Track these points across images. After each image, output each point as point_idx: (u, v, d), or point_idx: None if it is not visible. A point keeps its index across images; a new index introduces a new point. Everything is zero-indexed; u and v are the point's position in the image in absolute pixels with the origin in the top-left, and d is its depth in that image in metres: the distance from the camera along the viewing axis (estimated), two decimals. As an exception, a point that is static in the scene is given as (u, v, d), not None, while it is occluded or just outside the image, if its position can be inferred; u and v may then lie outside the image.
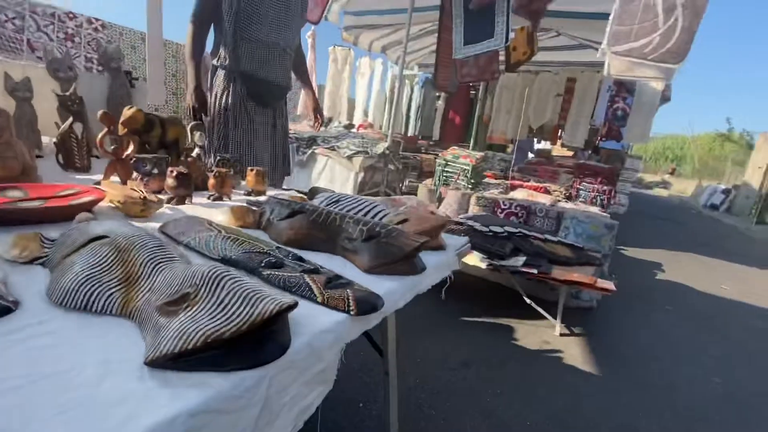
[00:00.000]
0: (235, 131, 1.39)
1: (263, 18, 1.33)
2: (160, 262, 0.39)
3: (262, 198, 0.89)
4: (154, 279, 0.37)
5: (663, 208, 9.68)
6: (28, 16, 3.99)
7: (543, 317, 1.81)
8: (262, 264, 0.49)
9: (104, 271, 0.38)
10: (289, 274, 0.47)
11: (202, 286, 0.33)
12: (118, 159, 0.91)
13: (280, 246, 0.59)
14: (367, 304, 0.45)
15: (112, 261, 0.38)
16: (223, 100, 1.37)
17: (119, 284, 0.37)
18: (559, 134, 6.59)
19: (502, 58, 4.51)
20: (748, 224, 7.58)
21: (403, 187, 4.69)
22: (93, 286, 0.36)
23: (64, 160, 1.01)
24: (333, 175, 3.47)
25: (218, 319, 0.30)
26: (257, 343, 0.32)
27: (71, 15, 4.30)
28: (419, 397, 1.27)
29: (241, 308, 0.31)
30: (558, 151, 8.03)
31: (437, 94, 7.22)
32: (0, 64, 1.18)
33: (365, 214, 0.79)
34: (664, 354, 1.78)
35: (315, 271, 0.50)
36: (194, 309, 0.32)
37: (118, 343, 0.33)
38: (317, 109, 1.70)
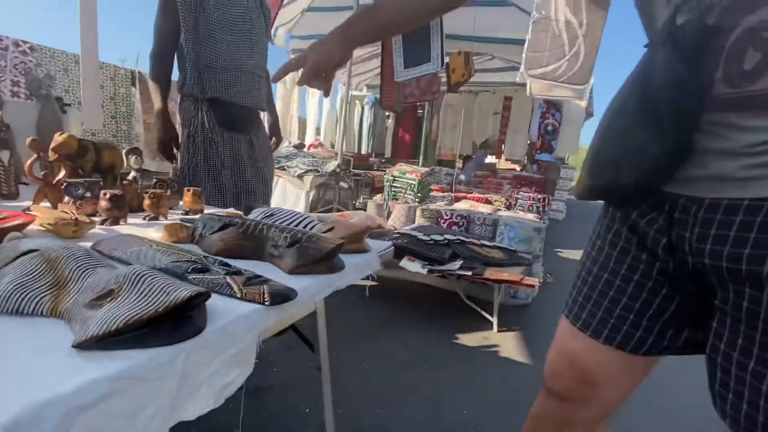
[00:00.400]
0: (207, 160, 1.36)
1: (224, 42, 1.33)
2: (88, 268, 0.45)
3: (197, 216, 0.94)
4: (82, 283, 0.43)
5: (597, 211, 10.51)
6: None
7: (482, 317, 1.96)
8: (188, 270, 0.56)
9: (34, 279, 0.43)
10: (213, 277, 0.54)
11: (125, 282, 0.40)
12: (47, 185, 0.92)
13: (208, 256, 0.66)
14: (280, 295, 0.53)
15: (41, 270, 0.43)
16: (191, 129, 1.35)
17: (49, 289, 0.42)
18: (502, 148, 7.08)
19: (444, 79, 4.84)
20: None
21: (357, 204, 4.80)
22: (23, 292, 0.41)
23: (-11, 188, 1.00)
24: (285, 195, 3.50)
25: (139, 306, 0.37)
26: (175, 325, 0.39)
27: (-5, 37, 4.04)
28: (365, 398, 1.34)
29: (159, 296, 0.38)
30: (504, 164, 8.58)
31: (386, 113, 7.50)
32: None
33: (297, 225, 0.86)
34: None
35: (237, 272, 0.57)
36: (117, 300, 0.38)
37: (48, 335, 0.38)
38: (273, 127, 1.66)
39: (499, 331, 1.89)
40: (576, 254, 4.20)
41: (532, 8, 3.25)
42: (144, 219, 0.93)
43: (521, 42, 4.07)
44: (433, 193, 3.57)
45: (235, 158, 1.40)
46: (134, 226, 0.86)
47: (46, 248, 0.46)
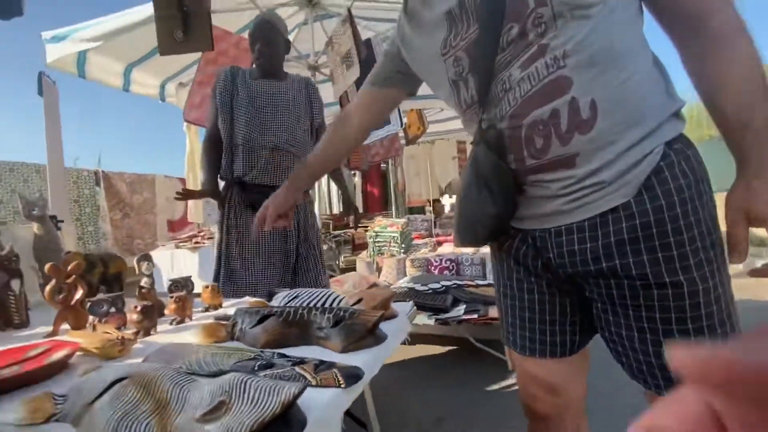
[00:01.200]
0: (237, 246, 1.36)
1: (249, 121, 1.37)
2: (183, 385, 0.48)
3: (229, 311, 0.96)
4: (184, 399, 0.46)
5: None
6: None
7: (496, 357, 1.98)
8: (255, 368, 0.59)
9: (135, 406, 0.45)
10: (282, 370, 0.58)
11: (232, 392, 0.43)
12: (67, 307, 0.92)
13: (264, 350, 0.69)
14: (353, 376, 0.57)
15: (140, 396, 0.46)
16: (223, 211, 1.38)
17: (152, 413, 0.45)
18: (466, 188, 7.44)
19: (401, 134, 5.18)
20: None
21: (341, 263, 4.80)
22: (129, 420, 0.44)
23: (2, 320, 0.98)
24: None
25: (255, 412, 0.41)
26: (286, 423, 0.43)
27: (-52, 158, 3.96)
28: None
29: (270, 398, 0.41)
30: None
31: (352, 172, 7.79)
32: None
33: (324, 303, 0.91)
34: (608, 363, 2.03)
35: (302, 362, 0.61)
36: (232, 410, 0.42)
37: (170, 458, 0.40)
38: (347, 204, 1.58)
39: (513, 369, 1.91)
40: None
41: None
42: (171, 324, 0.94)
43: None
44: (415, 242, 3.67)
45: (268, 240, 1.37)
46: (165, 334, 0.87)
47: (133, 373, 0.49)
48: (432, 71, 0.72)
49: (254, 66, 1.49)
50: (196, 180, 4.01)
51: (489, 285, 2.17)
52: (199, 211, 4.49)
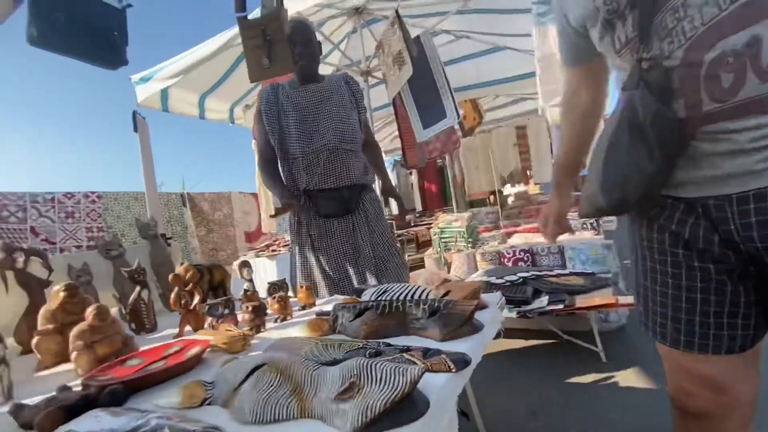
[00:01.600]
0: (313, 255, 1.41)
1: (300, 132, 1.38)
2: (314, 370, 0.53)
3: (326, 308, 1.03)
4: (315, 383, 0.50)
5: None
6: (29, 206, 4.35)
7: (584, 349, 1.87)
8: (367, 356, 0.63)
9: (277, 389, 0.51)
10: (392, 357, 0.61)
11: (361, 374, 0.47)
12: (189, 312, 1.05)
13: (369, 340, 0.73)
14: (462, 361, 0.58)
15: (279, 380, 0.52)
16: (294, 223, 1.44)
17: (291, 395, 0.50)
18: (529, 175, 7.11)
19: (457, 126, 5.09)
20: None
21: (408, 262, 4.84)
22: (274, 401, 0.49)
23: (135, 325, 1.15)
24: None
25: (386, 391, 0.44)
26: (412, 403, 0.45)
27: (69, 195, 4.68)
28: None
29: (398, 378, 0.44)
30: (533, 189, 8.54)
31: (408, 171, 7.81)
32: (64, 258, 1.36)
33: (413, 296, 0.93)
34: None
35: (408, 349, 0.63)
36: (364, 390, 0.45)
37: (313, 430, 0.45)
38: (386, 193, 1.55)
39: (607, 360, 1.79)
40: (646, 261, 3.97)
41: (526, 47, 3.51)
42: (275, 322, 1.03)
43: (520, 77, 4.35)
44: (482, 235, 3.58)
45: (328, 243, 1.40)
46: (274, 330, 0.96)
47: (269, 361, 0.55)
48: (585, 16, 0.64)
49: (295, 73, 1.47)
50: (266, 191, 4.29)
51: (571, 274, 2.05)
52: (272, 221, 4.81)
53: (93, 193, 4.88)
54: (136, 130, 3.46)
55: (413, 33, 2.88)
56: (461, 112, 4.40)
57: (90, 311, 0.84)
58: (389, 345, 0.67)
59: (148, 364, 0.77)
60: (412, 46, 2.67)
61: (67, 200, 4.60)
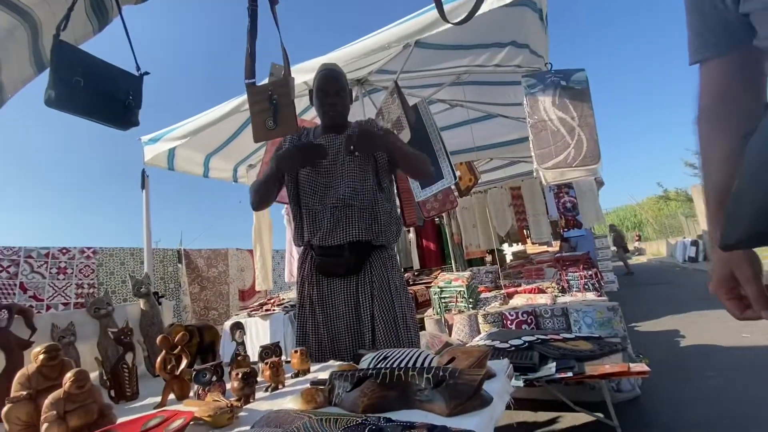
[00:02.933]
0: (306, 311, 1.35)
1: (313, 184, 1.35)
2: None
3: (321, 375, 0.96)
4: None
5: (649, 273, 9.94)
6: (23, 261, 4.28)
7: (597, 422, 1.73)
8: (366, 433, 0.57)
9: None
10: (395, 435, 0.55)
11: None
12: (173, 377, 0.98)
13: (368, 415, 0.67)
14: (471, 441, 0.53)
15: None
16: (300, 278, 1.37)
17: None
18: (526, 234, 7.16)
19: (454, 187, 5.23)
20: (729, 267, 7.83)
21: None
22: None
23: (115, 393, 1.06)
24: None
25: (390, 480, 0.39)
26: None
27: (64, 250, 4.64)
28: None
29: (403, 465, 0.40)
30: (531, 248, 8.56)
31: (406, 229, 7.86)
32: (50, 316, 1.30)
33: (415, 363, 0.88)
34: (731, 424, 1.69)
35: (411, 426, 0.58)
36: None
37: None
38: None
39: (623, 434, 1.65)
40: (657, 325, 3.86)
41: (515, 115, 3.73)
42: (266, 390, 0.96)
43: (512, 142, 4.58)
44: (482, 295, 3.50)
45: (328, 304, 1.34)
46: (264, 401, 0.88)
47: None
48: None
49: (323, 123, 1.46)
50: (262, 250, 4.25)
51: (578, 338, 1.96)
52: (265, 279, 4.68)
53: (89, 248, 4.84)
54: (143, 187, 3.54)
55: (411, 101, 3.07)
56: (457, 173, 4.55)
57: (68, 377, 0.78)
58: (390, 421, 0.62)
59: (124, 441, 0.69)
60: (411, 113, 2.82)
61: (62, 255, 4.55)
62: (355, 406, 0.73)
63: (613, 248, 10.22)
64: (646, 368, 1.58)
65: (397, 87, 2.82)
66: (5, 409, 0.83)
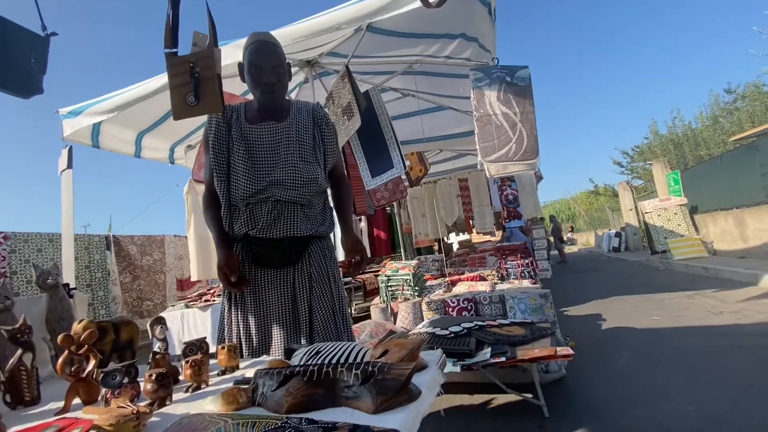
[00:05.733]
0: (236, 304, 1.26)
1: (249, 177, 1.22)
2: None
3: (249, 373, 0.91)
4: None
5: (579, 262, 10.83)
6: None
7: (528, 403, 1.84)
8: (284, 437, 0.54)
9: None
10: (314, 438, 0.53)
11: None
12: (79, 380, 0.88)
13: (290, 417, 0.63)
14: (391, 440, 0.51)
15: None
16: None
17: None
18: (472, 224, 7.45)
19: (404, 177, 5.27)
20: (646, 257, 8.78)
21: (354, 311, 4.67)
22: None
23: (11, 398, 0.93)
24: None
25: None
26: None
27: (-34, 235, 4.06)
28: None
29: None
30: (476, 238, 8.95)
31: (357, 217, 7.83)
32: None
33: (348, 357, 0.86)
34: (642, 398, 1.89)
35: (333, 427, 0.55)
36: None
37: None
38: (351, 249, 1.32)
39: (550, 414, 1.77)
40: (583, 309, 4.20)
41: (465, 108, 3.81)
42: (186, 391, 0.89)
43: (461, 135, 4.70)
44: (428, 283, 3.58)
45: (261, 296, 1.26)
46: (181, 403, 0.82)
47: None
48: None
49: (259, 103, 1.31)
50: (197, 238, 3.97)
51: (513, 324, 2.07)
52: (201, 269, 4.39)
53: (0, 232, 4.26)
54: (71, 166, 3.15)
55: (362, 88, 3.00)
56: (407, 163, 4.59)
57: (-66, 389, 0.66)
58: (312, 422, 0.59)
59: (4, 459, 0.60)
60: (362, 99, 2.76)
61: (-38, 241, 3.97)
62: (279, 407, 0.69)
63: (550, 238, 10.98)
64: (570, 351, 1.70)
65: (348, 71, 2.74)
66: None
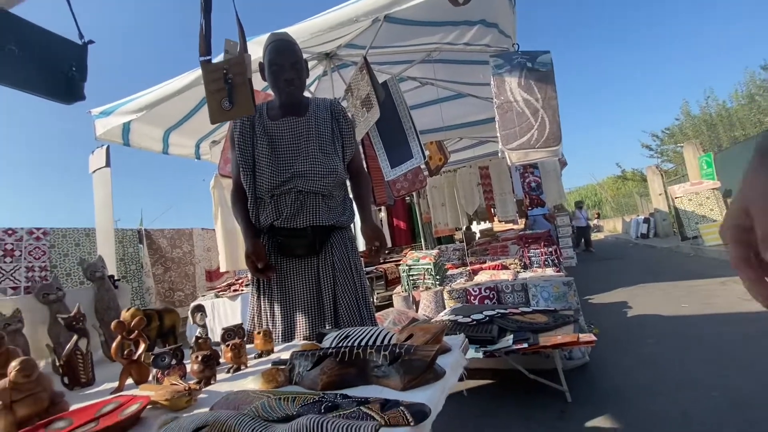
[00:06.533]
0: (265, 292, 1.33)
1: (272, 170, 1.29)
2: (261, 430, 0.49)
3: (284, 355, 0.97)
4: (263, 446, 0.47)
5: (605, 249, 10.57)
6: (-38, 244, 3.97)
7: (550, 388, 1.86)
8: (322, 410, 0.59)
9: (218, 455, 0.46)
10: (349, 411, 0.58)
11: (311, 434, 0.44)
12: (131, 362, 0.96)
13: (326, 392, 0.69)
14: (420, 413, 0.56)
15: (221, 444, 0.47)
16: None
17: (235, 461, 0.46)
18: (493, 213, 7.38)
19: (423, 166, 5.27)
20: (676, 243, 8.49)
21: (376, 300, 4.76)
22: (214, 469, 0.45)
23: (69, 379, 1.03)
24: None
25: (337, 454, 0.41)
26: (365, 465, 0.42)
27: (10, 231, 4.34)
28: None
29: (350, 439, 0.42)
30: (498, 226, 8.86)
31: (377, 208, 7.89)
32: (-8, 304, 1.22)
33: (376, 341, 0.91)
34: (666, 384, 1.88)
35: (366, 401, 0.60)
36: (314, 453, 0.42)
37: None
38: (370, 237, 1.36)
39: (572, 400, 1.79)
40: (608, 297, 4.13)
41: (485, 95, 3.76)
42: (228, 372, 0.96)
43: (481, 122, 4.63)
44: (449, 272, 3.61)
45: (288, 285, 1.32)
46: (225, 382, 0.89)
47: (212, 421, 0.51)
48: None
49: (279, 100, 1.37)
50: (224, 230, 4.12)
51: (535, 312, 2.08)
52: (230, 260, 4.57)
53: (38, 229, 4.54)
54: (109, 164, 3.34)
55: (380, 78, 3.01)
56: (427, 153, 4.58)
57: (13, 366, 0.75)
58: (347, 397, 0.64)
59: (77, 427, 0.68)
60: (380, 90, 2.78)
61: (8, 236, 4.24)
62: (315, 384, 0.75)
63: (594, 221, 10.68)
64: (593, 338, 1.71)
65: (366, 63, 2.76)
66: (-55, 401, 0.79)
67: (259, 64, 1.39)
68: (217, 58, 1.15)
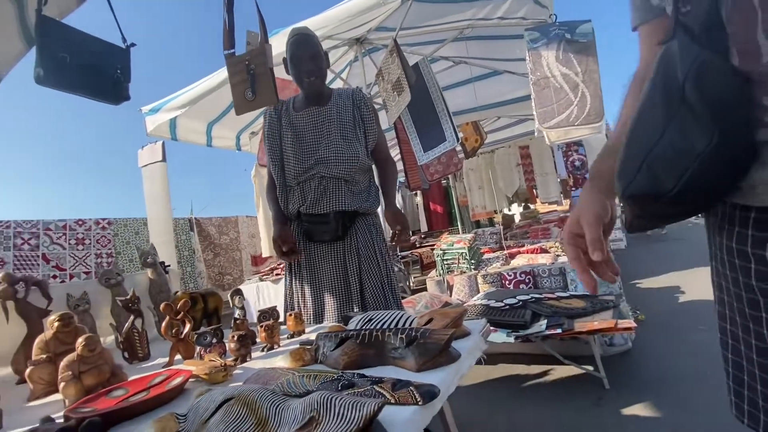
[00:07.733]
0: (296, 277, 1.41)
1: (297, 159, 1.37)
2: (279, 404, 0.53)
3: (313, 336, 1.04)
4: (280, 416, 0.51)
5: (660, 229, 9.85)
6: (42, 234, 4.47)
7: (587, 374, 1.82)
8: (339, 388, 0.63)
9: (242, 422, 0.52)
10: (363, 389, 0.61)
11: (320, 408, 0.48)
12: (179, 340, 1.07)
13: (345, 371, 0.73)
14: (429, 393, 0.58)
15: (244, 414, 0.53)
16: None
17: (256, 429, 0.51)
18: (535, 194, 7.10)
19: (459, 149, 5.15)
20: (743, 222, 7.70)
21: (412, 284, 4.81)
22: (237, 436, 0.50)
23: (128, 354, 1.16)
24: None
25: (342, 425, 0.44)
26: (369, 438, 0.46)
27: (80, 222, 4.80)
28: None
29: (354, 413, 0.45)
30: (541, 208, 8.52)
31: (413, 192, 7.86)
32: (65, 287, 1.40)
33: (397, 324, 0.94)
34: (713, 374, 1.76)
35: (380, 381, 0.64)
36: (322, 425, 0.46)
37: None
38: (392, 221, 1.38)
39: (610, 387, 1.74)
40: (658, 281, 3.89)
41: (523, 71, 3.58)
42: (262, 350, 1.04)
43: (520, 99, 4.42)
44: (485, 256, 3.56)
45: (316, 269, 1.39)
46: (259, 360, 0.97)
47: (237, 394, 0.56)
48: None
49: (303, 92, 1.43)
50: (265, 217, 4.33)
51: (573, 297, 2.02)
52: (272, 246, 4.81)
53: (104, 219, 5.00)
54: (164, 159, 3.65)
55: (412, 60, 2.97)
56: (461, 134, 4.47)
57: (80, 341, 0.87)
58: (363, 376, 0.68)
59: (132, 395, 0.78)
60: (411, 73, 2.74)
61: (78, 227, 4.72)
62: (337, 364, 0.80)
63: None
64: (632, 324, 1.64)
65: (396, 45, 2.72)
66: (28, 370, 0.93)
67: (283, 59, 1.45)
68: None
